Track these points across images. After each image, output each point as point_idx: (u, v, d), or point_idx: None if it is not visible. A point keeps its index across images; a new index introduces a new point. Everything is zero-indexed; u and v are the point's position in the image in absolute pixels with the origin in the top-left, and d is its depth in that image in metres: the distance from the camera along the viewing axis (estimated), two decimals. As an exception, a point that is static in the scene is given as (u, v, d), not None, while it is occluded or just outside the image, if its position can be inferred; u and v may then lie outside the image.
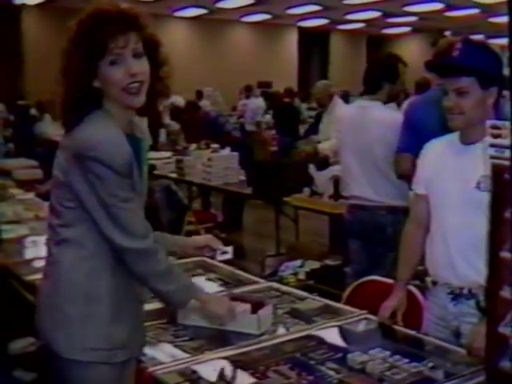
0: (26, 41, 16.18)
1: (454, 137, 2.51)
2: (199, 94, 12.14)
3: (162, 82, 2.03)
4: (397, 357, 2.26)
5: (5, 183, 5.76)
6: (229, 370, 2.15)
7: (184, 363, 2.25)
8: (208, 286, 3.11)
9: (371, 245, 3.98)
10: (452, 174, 2.44)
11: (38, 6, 15.91)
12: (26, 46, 16.12)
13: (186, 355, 2.34)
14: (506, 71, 2.40)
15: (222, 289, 3.05)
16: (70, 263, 1.97)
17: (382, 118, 3.90)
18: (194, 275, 3.28)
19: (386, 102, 4.05)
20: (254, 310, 2.53)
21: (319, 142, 6.32)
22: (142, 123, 2.12)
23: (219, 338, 2.47)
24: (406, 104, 7.42)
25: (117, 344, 1.99)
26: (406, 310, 2.64)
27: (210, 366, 2.21)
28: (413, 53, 20.49)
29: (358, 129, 3.99)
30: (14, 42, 15.82)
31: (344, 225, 4.25)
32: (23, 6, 15.76)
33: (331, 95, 6.94)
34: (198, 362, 2.25)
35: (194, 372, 2.17)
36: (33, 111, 13.02)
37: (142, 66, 1.92)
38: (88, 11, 1.90)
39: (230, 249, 2.41)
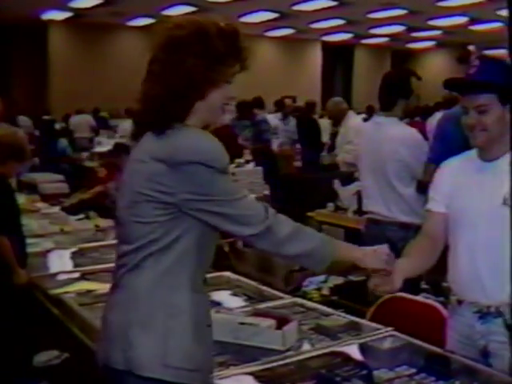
0: (52, 56, 16.39)
1: (472, 154, 2.49)
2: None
3: None
4: (423, 375, 2.24)
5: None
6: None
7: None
8: (233, 300, 3.11)
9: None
10: (476, 191, 2.41)
11: (64, 21, 16.14)
12: (52, 61, 16.32)
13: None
14: None
15: (243, 304, 3.05)
16: (149, 279, 1.91)
17: (395, 134, 3.91)
18: (218, 290, 3.28)
19: (402, 118, 4.04)
20: (279, 326, 2.52)
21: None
22: None
23: (244, 354, 2.46)
24: (433, 117, 7.49)
25: (198, 365, 1.93)
26: (430, 326, 2.60)
27: (235, 381, 2.21)
28: (437, 67, 20.46)
29: (372, 145, 4.02)
30: (40, 57, 16.04)
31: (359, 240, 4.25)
32: (50, 21, 15.99)
33: (343, 111, 7.47)
34: (222, 378, 2.24)
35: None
36: (57, 126, 13.17)
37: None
38: (227, 27, 2.00)
39: None
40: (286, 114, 11.16)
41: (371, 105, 11.01)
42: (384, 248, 2.24)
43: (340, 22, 16.85)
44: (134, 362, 1.87)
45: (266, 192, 6.66)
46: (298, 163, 8.83)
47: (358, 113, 15.64)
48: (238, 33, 1.99)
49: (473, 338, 2.45)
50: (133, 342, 1.88)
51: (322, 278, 4.56)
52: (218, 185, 1.89)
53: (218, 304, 3.03)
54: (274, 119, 11.10)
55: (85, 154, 11.11)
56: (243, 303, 3.06)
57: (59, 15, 15.52)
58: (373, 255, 2.19)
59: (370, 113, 9.84)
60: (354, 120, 7.48)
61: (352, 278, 4.89)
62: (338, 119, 7.53)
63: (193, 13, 14.33)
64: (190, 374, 1.90)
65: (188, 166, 1.84)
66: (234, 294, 3.22)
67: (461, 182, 2.48)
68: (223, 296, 3.19)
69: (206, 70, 1.90)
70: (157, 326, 1.89)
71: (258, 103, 9.86)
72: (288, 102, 11.82)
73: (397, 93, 3.97)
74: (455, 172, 2.54)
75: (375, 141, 4.00)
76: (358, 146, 4.33)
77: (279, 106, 12.91)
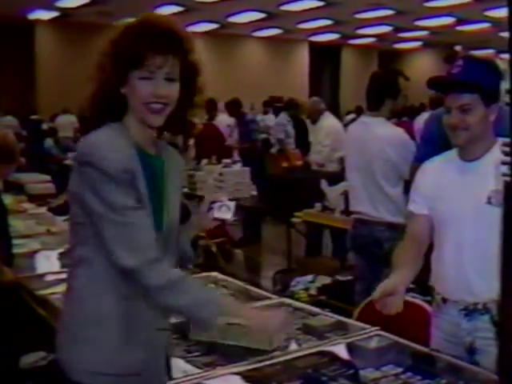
0: (39, 56, 16.32)
1: (453, 154, 2.51)
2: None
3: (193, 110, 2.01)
4: (409, 374, 2.25)
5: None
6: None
7: (195, 379, 2.24)
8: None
9: (372, 260, 3.99)
10: (460, 192, 2.43)
11: (50, 21, 16.07)
12: (39, 60, 16.25)
13: (198, 370, 2.33)
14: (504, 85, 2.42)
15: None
16: (80, 283, 1.88)
17: (382, 134, 3.93)
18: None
19: (389, 118, 4.06)
20: (266, 326, 2.52)
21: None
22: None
23: (231, 354, 2.46)
24: (420, 117, 7.53)
25: (128, 370, 1.89)
26: (416, 326, 2.61)
27: (222, 381, 2.21)
28: (424, 67, 20.53)
29: (359, 145, 4.04)
30: (26, 56, 15.96)
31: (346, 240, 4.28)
32: (37, 21, 15.92)
33: (320, 111, 7.59)
34: (209, 378, 2.24)
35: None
36: (44, 126, 13.12)
37: (171, 91, 1.87)
38: (139, 19, 1.89)
39: (232, 204, 1.97)
40: (278, 110, 11.15)
41: (360, 105, 11.05)
42: (280, 312, 2.20)
43: (327, 22, 16.87)
44: (63, 364, 1.89)
45: (254, 192, 6.67)
46: (285, 164, 8.82)
47: (347, 113, 15.73)
48: (154, 28, 1.85)
49: (458, 336, 2.47)
50: (66, 345, 1.90)
51: (309, 277, 4.58)
52: (104, 191, 1.77)
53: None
54: (268, 119, 11.15)
55: (70, 154, 11.07)
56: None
57: (46, 15, 15.45)
58: (266, 317, 1.99)
59: (359, 113, 9.89)
60: (328, 121, 7.55)
61: (339, 277, 4.92)
62: (314, 119, 7.65)
63: (180, 13, 14.31)
64: (119, 379, 1.87)
65: (81, 167, 1.81)
66: (222, 295, 3.21)
67: (443, 183, 2.50)
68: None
69: (117, 70, 1.85)
70: (84, 333, 1.86)
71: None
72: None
73: (384, 93, 3.99)
74: (436, 173, 2.55)
75: (362, 141, 4.01)
76: (346, 148, 4.34)
77: (268, 105, 12.97)
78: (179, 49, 1.88)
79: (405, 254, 2.56)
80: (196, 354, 2.50)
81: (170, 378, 2.08)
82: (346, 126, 9.81)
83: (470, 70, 2.36)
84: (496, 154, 2.30)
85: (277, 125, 10.25)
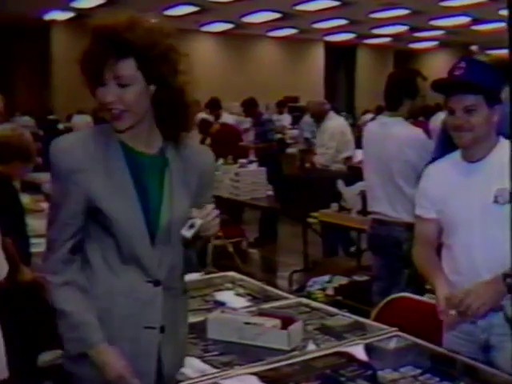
0: (55, 56, 16.39)
1: (456, 156, 2.53)
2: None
3: (181, 111, 1.95)
4: (428, 375, 2.25)
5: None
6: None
7: (211, 378, 2.24)
8: (236, 300, 3.11)
9: (390, 261, 3.98)
10: (466, 193, 2.43)
11: (66, 21, 16.13)
12: (55, 61, 16.32)
13: (214, 370, 2.33)
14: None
15: (248, 304, 3.04)
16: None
17: (400, 134, 3.91)
18: (222, 290, 3.28)
19: (408, 118, 4.04)
20: (284, 326, 2.52)
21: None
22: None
23: (249, 354, 2.46)
24: (436, 117, 7.50)
25: None
26: (434, 327, 2.60)
27: (238, 381, 2.21)
28: (440, 67, 20.41)
29: (377, 145, 4.03)
30: (42, 57, 16.04)
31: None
32: (52, 21, 16.00)
33: (325, 111, 7.54)
34: (225, 378, 2.24)
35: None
36: (60, 126, 13.19)
37: (124, 96, 1.83)
38: (90, 28, 1.87)
39: (198, 223, 1.85)
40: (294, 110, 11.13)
41: (380, 105, 11.04)
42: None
43: (342, 21, 16.84)
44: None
45: (270, 192, 6.66)
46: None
47: (363, 112, 15.69)
48: (96, 35, 1.85)
49: (474, 334, 2.47)
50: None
51: (326, 278, 4.57)
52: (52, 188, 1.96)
53: (222, 304, 3.03)
54: (283, 119, 11.17)
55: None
56: (248, 303, 3.05)
57: (61, 15, 15.52)
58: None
59: (379, 113, 9.87)
60: (332, 122, 7.51)
61: (356, 278, 4.90)
62: (319, 119, 7.62)
63: (195, 13, 14.33)
64: None
65: None
66: (239, 294, 3.21)
67: (449, 186, 2.50)
68: (227, 296, 3.18)
69: (86, 79, 1.89)
70: None
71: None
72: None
73: (402, 93, 3.97)
74: (441, 176, 2.57)
75: (380, 141, 4.00)
76: (363, 148, 4.32)
77: (282, 106, 12.97)
78: (127, 52, 1.81)
79: (430, 259, 2.59)
80: (213, 353, 2.49)
81: (161, 378, 2.00)
82: (361, 125, 9.81)
83: (472, 71, 2.38)
84: (500, 153, 2.36)
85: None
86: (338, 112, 9.72)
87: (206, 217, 1.85)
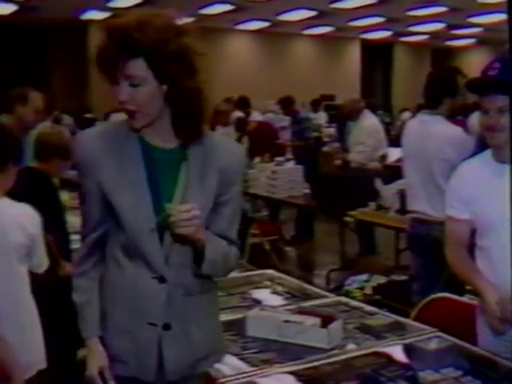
0: (92, 55, 16.53)
1: (487, 156, 2.51)
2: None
3: (195, 111, 1.91)
4: (469, 377, 2.22)
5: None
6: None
7: (249, 376, 2.24)
8: (273, 299, 3.10)
9: (429, 260, 3.93)
10: (497, 193, 2.38)
11: (103, 21, 16.27)
12: (93, 60, 16.46)
13: (251, 368, 2.32)
14: None
15: (286, 302, 3.03)
16: None
17: (441, 133, 3.87)
18: (260, 288, 3.28)
19: (448, 117, 3.99)
20: (324, 324, 2.51)
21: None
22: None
23: (288, 352, 2.45)
24: (474, 116, 7.40)
25: (116, 357, 1.99)
26: (473, 327, 2.56)
27: (275, 380, 2.20)
28: (477, 65, 20.13)
29: (417, 143, 3.99)
30: (80, 56, 16.20)
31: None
32: (89, 21, 16.16)
33: (359, 109, 7.39)
34: (261, 376, 2.23)
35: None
36: (98, 124, 13.30)
37: (135, 96, 1.84)
38: (102, 29, 1.88)
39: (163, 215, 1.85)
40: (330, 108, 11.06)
41: (421, 103, 10.95)
42: None
43: (379, 19, 16.71)
44: None
45: (306, 190, 6.64)
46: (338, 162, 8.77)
47: (400, 110, 15.56)
48: (108, 35, 1.85)
49: (510, 334, 2.42)
50: None
51: (364, 277, 4.54)
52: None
53: (260, 302, 3.03)
54: (319, 118, 11.13)
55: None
56: (287, 301, 3.05)
57: (99, 15, 15.65)
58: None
59: (418, 111, 9.79)
60: (368, 120, 7.45)
61: (395, 277, 4.85)
62: (353, 117, 7.52)
63: (231, 11, 14.35)
64: (110, 363, 2.03)
65: None
66: (276, 292, 3.21)
67: (481, 186, 2.47)
68: (264, 294, 3.18)
69: (103, 76, 1.92)
70: None
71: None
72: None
73: (442, 91, 3.93)
74: (473, 176, 2.53)
75: (420, 139, 3.96)
76: (403, 146, 4.28)
77: (317, 104, 12.92)
78: (137, 51, 1.80)
79: (466, 260, 2.57)
80: (252, 351, 2.49)
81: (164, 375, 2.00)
82: (399, 124, 9.71)
83: (506, 71, 2.34)
84: None
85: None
86: (374, 110, 9.65)
87: (178, 214, 1.79)
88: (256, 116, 9.59)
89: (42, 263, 2.85)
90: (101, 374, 1.97)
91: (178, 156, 1.94)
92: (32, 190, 3.77)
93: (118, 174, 1.90)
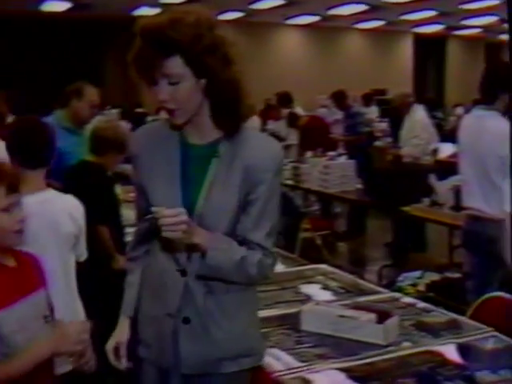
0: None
1: None
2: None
3: (234, 102, 1.91)
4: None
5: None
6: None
7: (298, 372, 2.24)
8: (322, 294, 3.08)
9: (485, 258, 3.86)
10: None
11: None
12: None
13: (300, 364, 2.31)
14: None
15: (337, 297, 3.01)
16: None
17: (497, 129, 3.78)
18: (312, 282, 3.26)
19: (504, 113, 3.90)
20: (380, 320, 2.48)
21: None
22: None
23: (343, 347, 2.44)
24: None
25: (142, 339, 2.08)
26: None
27: (324, 376, 2.19)
28: (534, 59, 19.71)
29: (472, 139, 3.92)
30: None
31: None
32: (141, 17, 16.32)
33: (408, 104, 7.34)
34: (312, 372, 2.22)
35: (308, 381, 2.16)
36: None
37: (174, 94, 1.84)
38: (135, 28, 1.89)
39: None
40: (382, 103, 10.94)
41: (477, 98, 10.76)
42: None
43: (432, 13, 16.46)
44: None
45: (359, 186, 6.59)
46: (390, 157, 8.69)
47: (454, 105, 15.30)
48: (141, 35, 1.85)
49: None
50: None
51: (417, 273, 4.48)
52: None
53: (309, 297, 3.02)
54: (371, 112, 11.01)
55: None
56: (332, 297, 3.03)
57: (150, 11, 15.79)
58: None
59: (474, 106, 9.62)
60: (419, 114, 7.37)
61: (448, 274, 4.78)
62: (403, 111, 7.43)
63: (281, 6, 14.31)
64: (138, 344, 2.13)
65: None
66: (326, 288, 3.18)
67: None
68: (313, 289, 3.16)
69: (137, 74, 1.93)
70: None
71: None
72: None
73: (498, 86, 3.84)
74: None
75: (475, 135, 3.88)
76: (459, 141, 4.22)
77: (368, 98, 12.79)
78: (172, 49, 1.80)
79: None
80: (307, 345, 2.48)
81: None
82: (452, 119, 9.53)
83: None
84: None
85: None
86: (433, 107, 9.51)
87: (163, 218, 1.77)
88: (298, 112, 9.54)
89: (84, 253, 2.91)
90: (116, 349, 2.07)
91: (209, 152, 1.95)
92: (88, 183, 3.84)
93: (155, 171, 1.97)
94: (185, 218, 1.79)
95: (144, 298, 2.06)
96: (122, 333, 2.09)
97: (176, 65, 1.81)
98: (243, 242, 1.94)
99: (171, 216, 1.77)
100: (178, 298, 1.94)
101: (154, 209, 1.79)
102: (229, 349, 1.98)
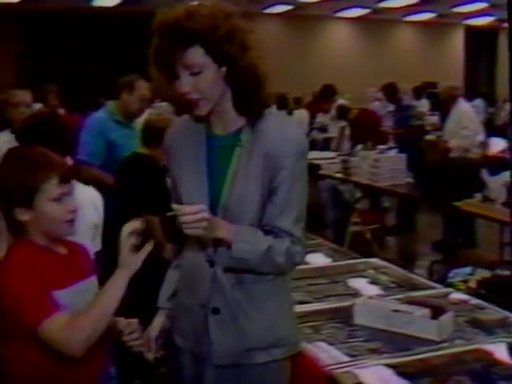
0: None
1: None
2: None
3: (255, 87, 1.91)
4: None
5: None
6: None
7: (346, 366, 2.22)
8: (369, 288, 3.05)
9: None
10: None
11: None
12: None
13: (348, 358, 2.30)
14: None
15: (384, 292, 2.98)
16: None
17: None
18: (362, 276, 3.24)
19: None
20: (435, 316, 2.45)
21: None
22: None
23: (396, 342, 2.42)
24: None
25: (179, 329, 2.10)
26: None
27: (372, 372, 2.18)
28: None
29: None
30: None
31: None
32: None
33: (454, 96, 7.31)
34: (360, 367, 2.21)
35: (355, 376, 2.15)
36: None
37: (197, 84, 1.86)
38: (153, 25, 1.91)
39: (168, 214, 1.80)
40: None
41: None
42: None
43: (484, 5, 16.17)
44: None
45: (409, 180, 6.52)
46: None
47: (504, 100, 15.00)
48: (160, 28, 1.88)
49: None
50: None
51: (468, 270, 4.41)
52: None
53: (360, 291, 3.00)
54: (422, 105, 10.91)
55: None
56: (380, 291, 3.00)
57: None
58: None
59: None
60: (465, 106, 7.34)
61: (499, 272, 4.68)
62: (447, 104, 7.37)
63: (330, -1, 14.23)
64: (174, 334, 2.16)
65: None
66: (375, 282, 3.16)
67: None
68: (360, 283, 3.14)
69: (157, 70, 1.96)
70: None
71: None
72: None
73: None
74: None
75: None
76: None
77: (418, 91, 12.63)
78: (192, 40, 1.82)
79: None
80: (359, 339, 2.47)
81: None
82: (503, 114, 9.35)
83: None
84: None
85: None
86: (491, 102, 9.31)
87: (183, 215, 1.76)
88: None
89: (99, 245, 2.90)
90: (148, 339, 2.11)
91: (233, 142, 1.95)
92: (141, 175, 3.88)
93: (183, 164, 2.01)
94: (205, 214, 1.78)
95: (180, 288, 2.10)
96: (155, 325, 2.13)
97: (197, 55, 1.84)
98: (271, 230, 1.92)
99: (191, 213, 1.76)
100: (207, 289, 1.96)
101: (174, 206, 1.79)
102: (258, 339, 1.98)
